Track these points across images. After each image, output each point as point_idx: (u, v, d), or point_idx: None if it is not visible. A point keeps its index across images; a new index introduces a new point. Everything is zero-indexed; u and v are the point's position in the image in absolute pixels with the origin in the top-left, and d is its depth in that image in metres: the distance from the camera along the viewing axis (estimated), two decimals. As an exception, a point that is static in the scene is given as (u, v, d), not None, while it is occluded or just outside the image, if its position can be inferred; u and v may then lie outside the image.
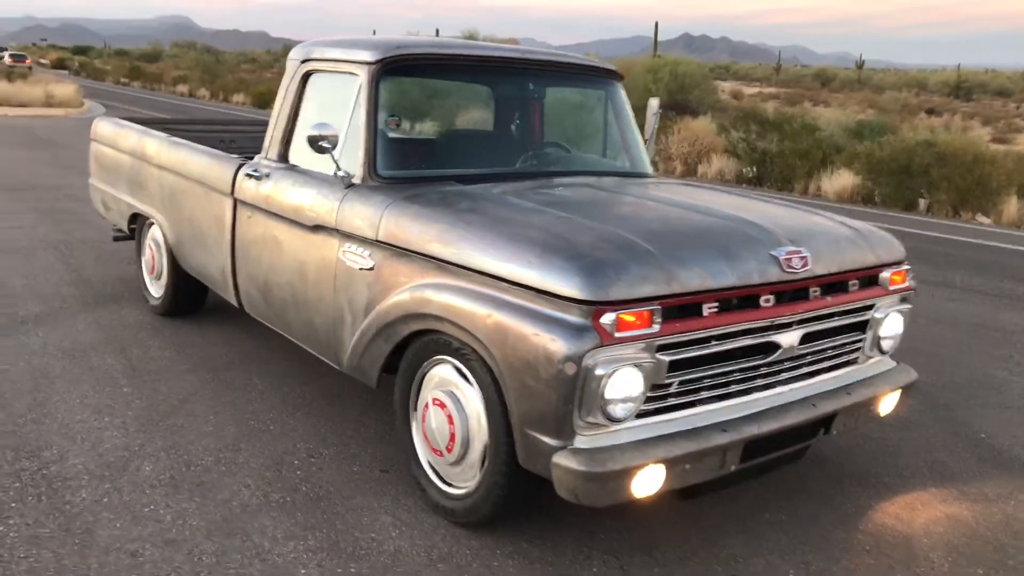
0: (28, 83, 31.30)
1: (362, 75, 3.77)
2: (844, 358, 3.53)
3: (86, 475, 3.48)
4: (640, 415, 2.87)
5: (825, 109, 31.93)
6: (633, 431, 2.84)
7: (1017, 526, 3.52)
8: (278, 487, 3.48)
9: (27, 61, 58.28)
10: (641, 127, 4.71)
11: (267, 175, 4.14)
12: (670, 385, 2.90)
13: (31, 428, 3.88)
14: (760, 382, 3.18)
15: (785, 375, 3.26)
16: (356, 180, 3.67)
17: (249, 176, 4.26)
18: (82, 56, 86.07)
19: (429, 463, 3.36)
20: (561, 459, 2.73)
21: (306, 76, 4.12)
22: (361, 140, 3.70)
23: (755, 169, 17.38)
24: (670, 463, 2.82)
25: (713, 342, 2.96)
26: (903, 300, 3.69)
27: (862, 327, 3.53)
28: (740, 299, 3.01)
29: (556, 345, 2.66)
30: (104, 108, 29.06)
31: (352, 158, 3.70)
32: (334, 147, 3.63)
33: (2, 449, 3.66)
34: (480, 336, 2.91)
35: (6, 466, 3.52)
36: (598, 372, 2.66)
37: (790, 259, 3.11)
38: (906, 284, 3.66)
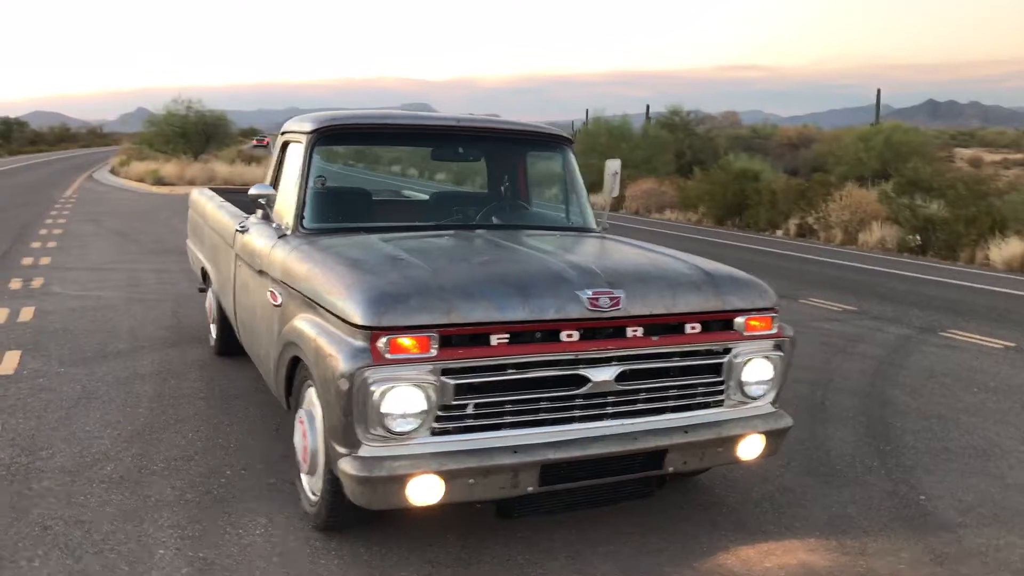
0: (260, 165, 35.43)
1: (304, 142, 4.44)
2: (699, 399, 3.65)
3: (59, 470, 4.26)
4: (439, 432, 3.21)
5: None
6: (426, 445, 3.19)
7: (869, 579, 3.45)
8: (197, 490, 4.08)
9: (265, 141, 69.72)
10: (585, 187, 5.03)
11: (247, 230, 4.87)
12: (465, 407, 3.22)
13: (47, 433, 4.76)
14: (579, 413, 3.41)
15: (612, 409, 3.46)
16: (287, 231, 4.29)
17: (237, 231, 5.01)
18: None
19: (303, 475, 3.84)
20: (343, 464, 3.14)
21: (284, 146, 4.85)
22: (294, 197, 4.33)
23: (918, 237, 16.49)
24: (448, 476, 3.13)
25: (511, 370, 3.26)
26: (777, 347, 3.76)
27: (716, 370, 3.64)
28: (541, 332, 3.29)
29: (338, 363, 3.10)
30: (316, 185, 32.19)
31: (291, 213, 4.35)
32: (270, 205, 4.31)
33: (14, 447, 4.54)
34: (309, 358, 3.40)
35: (7, 459, 4.38)
36: (372, 388, 3.06)
37: (597, 299, 3.35)
38: (772, 331, 3.73)
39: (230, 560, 3.43)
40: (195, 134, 41.94)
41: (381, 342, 3.07)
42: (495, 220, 4.80)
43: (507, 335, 3.24)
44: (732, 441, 3.65)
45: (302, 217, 4.31)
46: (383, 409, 3.09)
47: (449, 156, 5.00)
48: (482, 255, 3.90)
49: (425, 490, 3.13)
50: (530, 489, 3.29)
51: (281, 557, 3.46)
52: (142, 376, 5.94)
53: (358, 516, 3.56)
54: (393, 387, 3.08)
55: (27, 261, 11.22)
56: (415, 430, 3.16)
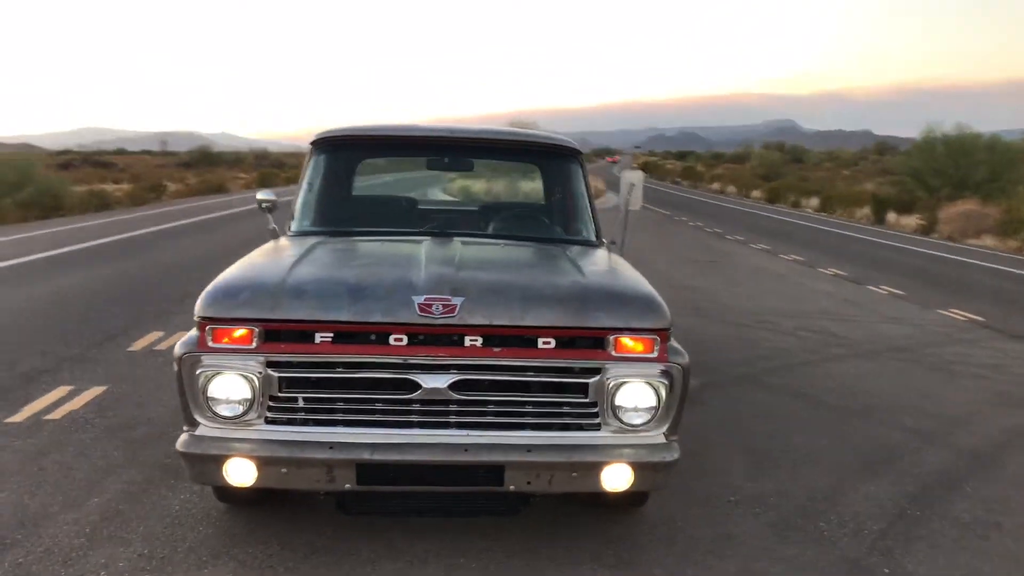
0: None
1: (307, 153, 4.86)
2: (567, 419, 3.46)
3: (122, 426, 5.05)
4: (272, 421, 3.42)
5: None
6: (254, 432, 3.40)
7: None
8: (180, 456, 4.64)
9: (615, 159, 73.79)
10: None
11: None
12: (295, 400, 3.39)
13: (122, 389, 5.64)
14: (418, 419, 3.42)
15: (456, 419, 3.41)
16: (282, 234, 4.73)
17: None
18: (680, 160, 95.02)
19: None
20: (178, 441, 3.46)
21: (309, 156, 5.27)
22: (294, 203, 4.77)
23: None
24: (261, 462, 3.33)
25: (339, 369, 3.37)
26: (665, 374, 3.45)
27: (583, 390, 3.43)
28: (375, 335, 3.35)
29: (174, 349, 3.44)
30: (617, 199, 32.96)
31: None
32: (270, 210, 4.78)
33: (134, 406, 5.46)
34: None
35: (121, 417, 5.28)
36: (196, 372, 3.36)
37: (429, 305, 3.33)
38: (652, 355, 3.42)
39: (134, 513, 3.93)
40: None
41: (206, 331, 3.36)
42: (489, 229, 4.81)
43: (331, 334, 3.35)
44: (589, 467, 3.40)
45: (293, 220, 4.72)
46: (209, 393, 3.37)
47: (443, 166, 5.12)
48: (371, 259, 4.01)
49: (240, 472, 3.34)
50: (347, 486, 3.36)
51: (172, 518, 3.89)
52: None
53: (235, 494, 3.83)
54: (218, 373, 3.35)
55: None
56: (244, 416, 3.38)
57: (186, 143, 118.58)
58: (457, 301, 3.35)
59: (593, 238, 4.80)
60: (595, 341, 3.43)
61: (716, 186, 46.37)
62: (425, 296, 3.36)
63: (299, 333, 3.37)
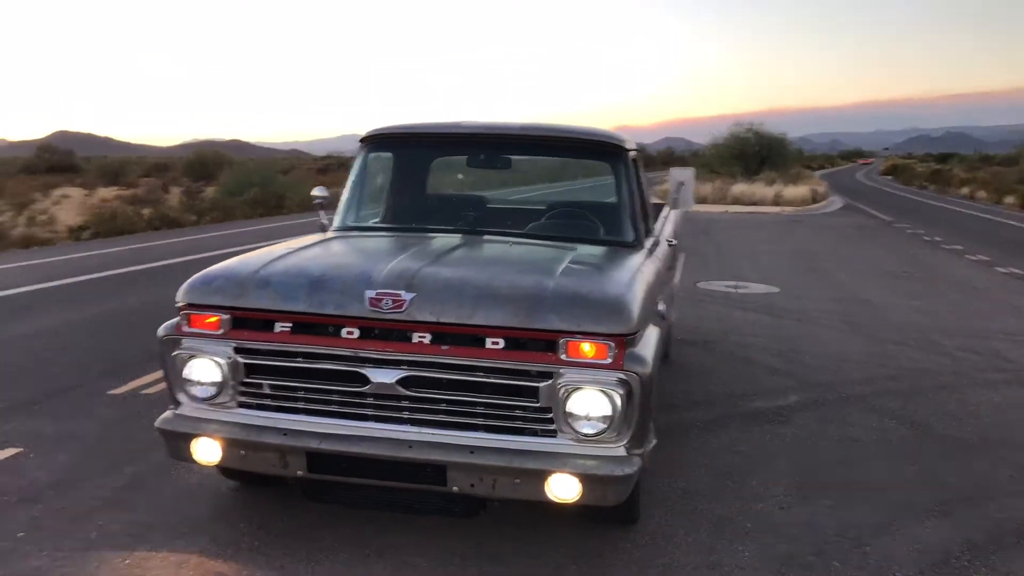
0: (795, 185, 35.30)
1: (358, 149, 5.02)
2: (519, 423, 3.33)
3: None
4: (244, 405, 3.57)
5: None
6: (224, 414, 3.57)
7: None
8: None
9: (870, 161, 70.01)
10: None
11: None
12: (261, 386, 3.52)
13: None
14: (372, 412, 3.43)
15: (408, 414, 3.39)
16: (330, 228, 4.91)
17: None
18: (941, 163, 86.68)
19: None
20: (158, 419, 3.68)
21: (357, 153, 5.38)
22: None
23: None
24: (225, 443, 3.48)
25: (299, 359, 3.46)
26: (623, 382, 3.22)
27: (533, 394, 3.28)
28: (332, 327, 3.40)
29: (158, 331, 3.67)
30: (841, 204, 31.20)
31: (338, 213, 4.98)
32: (322, 206, 4.97)
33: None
34: None
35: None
36: (175, 354, 3.57)
37: (379, 299, 3.33)
38: (606, 361, 3.21)
39: (155, 483, 4.26)
40: (751, 155, 43.42)
41: (182, 316, 3.56)
42: (528, 228, 4.70)
43: (289, 324, 3.44)
44: (532, 475, 3.24)
45: (338, 216, 4.88)
46: (184, 374, 3.57)
47: (481, 163, 5.03)
48: (356, 255, 4.06)
49: (207, 451, 3.51)
50: (299, 473, 3.43)
51: (184, 492, 4.17)
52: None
53: (233, 473, 4.04)
54: (192, 356, 3.54)
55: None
56: (216, 398, 3.55)
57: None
58: (408, 297, 3.33)
59: (628, 239, 4.54)
60: (547, 344, 3.27)
61: (965, 191, 42.12)
62: (377, 291, 3.36)
63: (262, 322, 3.48)
